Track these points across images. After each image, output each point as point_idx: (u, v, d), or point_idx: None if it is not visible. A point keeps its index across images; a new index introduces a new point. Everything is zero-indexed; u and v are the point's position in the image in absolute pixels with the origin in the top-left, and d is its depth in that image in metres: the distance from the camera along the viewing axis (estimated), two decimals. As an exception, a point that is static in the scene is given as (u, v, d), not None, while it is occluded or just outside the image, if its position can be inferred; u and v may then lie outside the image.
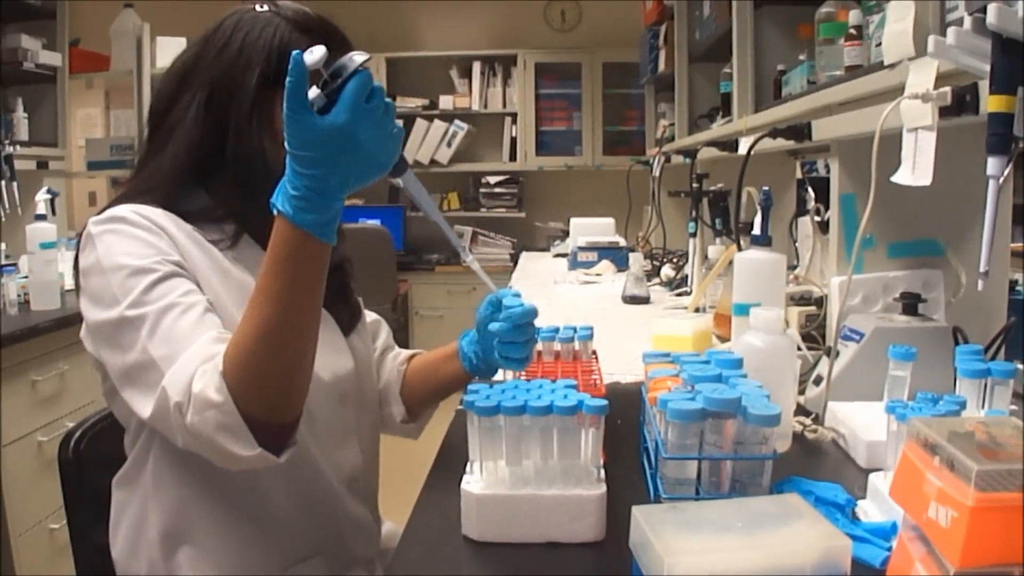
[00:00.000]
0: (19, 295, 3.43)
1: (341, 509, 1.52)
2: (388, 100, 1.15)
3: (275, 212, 1.16)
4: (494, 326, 1.46)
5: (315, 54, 1.10)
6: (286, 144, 1.13)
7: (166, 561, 1.41)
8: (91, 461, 1.63)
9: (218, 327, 1.26)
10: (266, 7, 1.44)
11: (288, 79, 1.09)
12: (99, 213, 1.38)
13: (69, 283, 3.61)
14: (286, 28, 1.42)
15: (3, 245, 3.76)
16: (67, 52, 4.40)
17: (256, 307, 1.18)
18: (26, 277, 3.49)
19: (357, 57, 1.12)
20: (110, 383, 1.38)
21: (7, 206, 3.79)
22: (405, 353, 1.79)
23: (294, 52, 1.09)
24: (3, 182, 3.78)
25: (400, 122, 1.17)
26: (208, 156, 1.41)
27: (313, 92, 1.11)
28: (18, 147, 3.95)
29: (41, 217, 3.43)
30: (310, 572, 1.48)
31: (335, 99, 1.11)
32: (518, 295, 1.47)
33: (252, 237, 1.45)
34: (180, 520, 1.41)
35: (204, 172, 1.42)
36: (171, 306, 1.26)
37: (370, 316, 1.75)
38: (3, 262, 3.49)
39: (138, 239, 1.32)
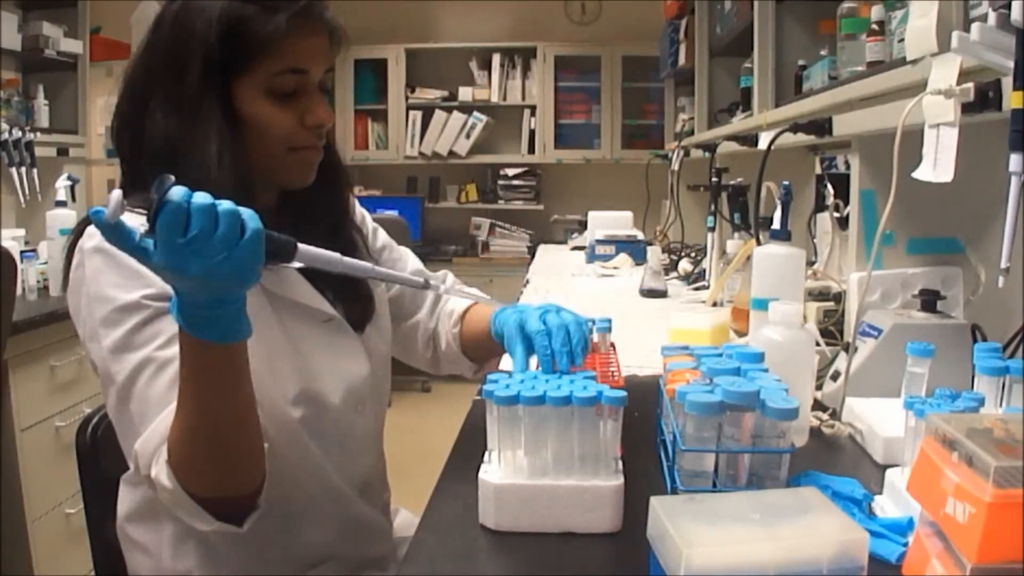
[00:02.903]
0: (38, 281, 3.45)
1: (354, 514, 1.53)
2: (224, 208, 0.99)
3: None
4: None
5: (111, 202, 0.94)
6: None
7: (175, 564, 1.42)
8: (108, 447, 1.62)
9: None
10: None
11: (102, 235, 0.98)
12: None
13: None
14: (224, 3, 1.31)
15: (23, 231, 3.79)
16: (88, 40, 4.43)
17: (180, 408, 1.15)
18: (45, 263, 3.51)
19: (166, 181, 0.97)
20: None
21: (27, 192, 3.82)
22: (458, 312, 1.74)
23: (91, 210, 0.96)
24: (24, 168, 3.81)
25: (249, 220, 1.01)
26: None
27: (143, 226, 0.98)
28: (39, 134, 3.98)
29: (61, 203, 3.45)
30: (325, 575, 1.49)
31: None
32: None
33: None
34: (190, 527, 1.40)
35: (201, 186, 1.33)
36: (146, 363, 1.24)
37: (411, 265, 1.76)
38: (23, 248, 3.51)
39: (126, 268, 1.26)
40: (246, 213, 1.01)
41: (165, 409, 1.20)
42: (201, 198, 0.98)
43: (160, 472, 1.17)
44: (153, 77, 1.35)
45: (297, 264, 1.10)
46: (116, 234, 0.96)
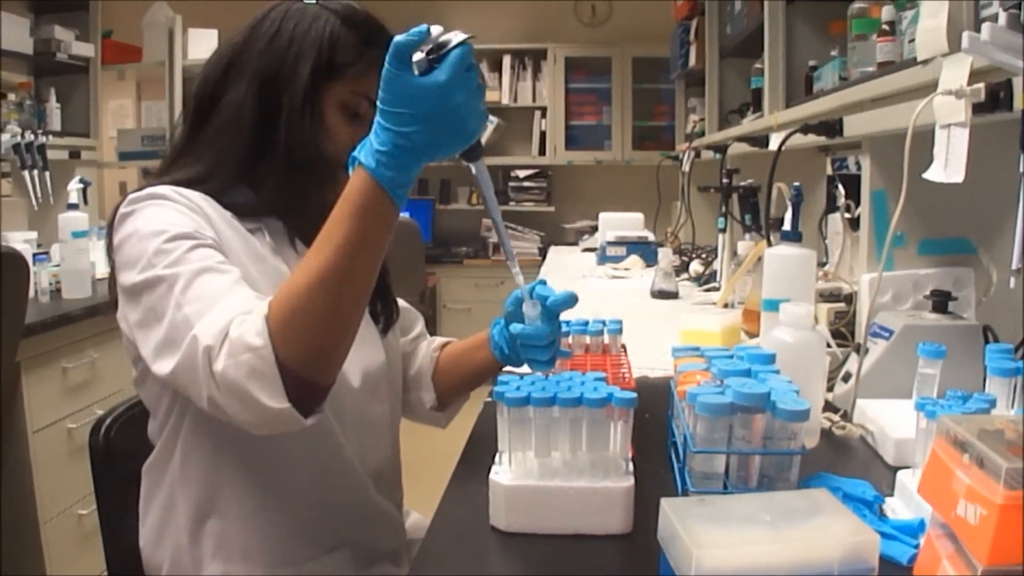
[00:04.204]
0: (51, 283, 3.46)
1: (368, 502, 1.53)
2: (480, 82, 1.18)
3: (355, 166, 1.16)
4: (515, 328, 1.41)
5: (435, 28, 1.16)
6: (379, 102, 1.13)
7: (192, 547, 1.42)
8: (120, 448, 1.64)
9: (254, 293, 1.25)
10: (313, 0, 1.46)
11: (401, 38, 1.12)
12: (137, 191, 1.38)
13: (100, 272, 3.65)
14: (335, 22, 1.42)
15: (35, 234, 3.80)
16: (100, 43, 4.46)
17: (316, 253, 1.16)
18: (58, 265, 3.52)
19: (461, 34, 1.15)
20: (141, 367, 1.39)
21: (40, 195, 3.83)
22: (439, 340, 1.79)
23: (421, 26, 1.14)
24: (36, 171, 3.83)
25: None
26: (258, 149, 1.41)
27: (416, 56, 1.14)
28: (51, 137, 3.99)
29: (73, 206, 3.46)
30: (335, 564, 1.48)
31: (435, 66, 1.13)
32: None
33: (296, 234, 1.47)
34: (207, 506, 1.42)
35: (251, 166, 1.42)
36: (207, 269, 1.25)
37: (401, 303, 1.73)
38: (35, 251, 3.52)
39: (179, 212, 1.33)
40: None
41: (233, 296, 1.21)
42: None
43: (248, 329, 1.13)
44: (252, 57, 1.43)
45: (473, 166, 1.25)
46: (411, 41, 1.13)
